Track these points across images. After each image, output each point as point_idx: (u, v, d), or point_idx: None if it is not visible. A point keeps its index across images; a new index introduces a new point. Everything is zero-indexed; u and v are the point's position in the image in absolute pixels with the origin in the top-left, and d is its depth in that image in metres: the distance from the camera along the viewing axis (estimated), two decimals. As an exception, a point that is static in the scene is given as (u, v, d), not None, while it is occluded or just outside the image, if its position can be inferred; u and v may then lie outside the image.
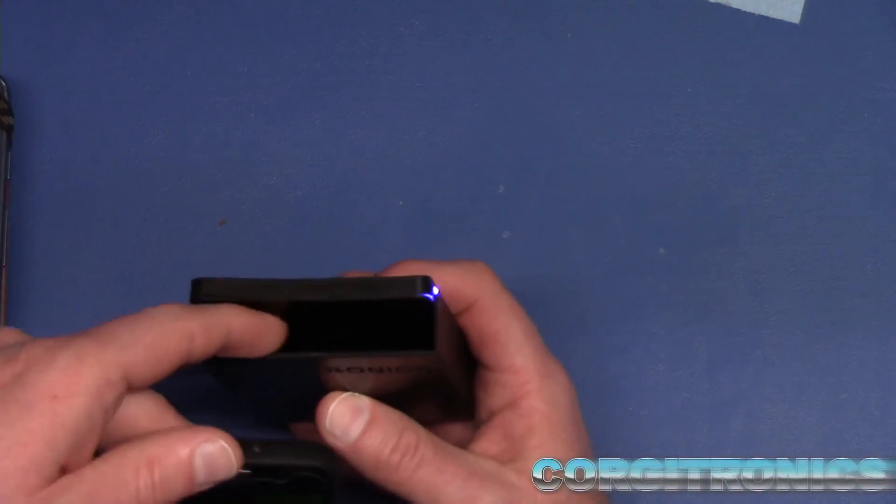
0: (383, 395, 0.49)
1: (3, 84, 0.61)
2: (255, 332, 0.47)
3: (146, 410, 0.45)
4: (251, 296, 0.48)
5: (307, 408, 0.49)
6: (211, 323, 0.46)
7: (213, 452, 0.45)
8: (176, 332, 0.45)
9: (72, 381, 0.42)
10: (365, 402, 0.48)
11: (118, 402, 0.44)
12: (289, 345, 0.48)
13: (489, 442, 0.51)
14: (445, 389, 0.51)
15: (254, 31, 0.63)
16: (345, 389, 0.49)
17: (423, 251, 0.60)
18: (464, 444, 0.51)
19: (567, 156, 0.62)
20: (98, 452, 0.44)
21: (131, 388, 0.44)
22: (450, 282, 0.50)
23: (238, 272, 0.60)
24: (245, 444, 0.46)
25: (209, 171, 0.61)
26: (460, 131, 0.62)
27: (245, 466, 0.46)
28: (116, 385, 0.43)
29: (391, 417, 0.49)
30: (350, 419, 0.48)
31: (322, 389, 0.49)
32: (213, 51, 0.63)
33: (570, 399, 0.52)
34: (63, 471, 0.42)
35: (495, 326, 0.51)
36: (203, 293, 0.48)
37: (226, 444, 0.45)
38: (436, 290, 0.47)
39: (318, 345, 0.48)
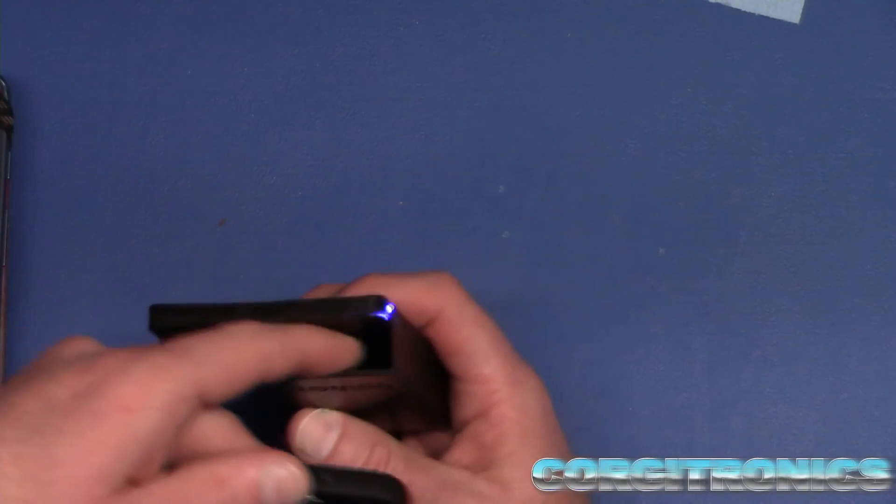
0: (356, 409, 0.49)
1: (3, 84, 0.61)
2: (332, 353, 0.47)
3: (220, 429, 0.45)
4: (205, 321, 0.47)
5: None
6: (289, 345, 0.45)
7: (282, 476, 0.44)
8: (254, 353, 0.44)
9: (145, 393, 0.42)
10: (335, 417, 0.48)
11: (191, 417, 0.43)
12: None
13: (462, 452, 0.51)
14: (415, 402, 0.51)
15: (254, 31, 0.63)
16: (315, 406, 0.49)
17: (423, 251, 0.60)
18: (443, 453, 0.51)
19: (567, 156, 0.62)
20: (169, 467, 0.43)
21: (205, 404, 0.44)
22: (411, 295, 0.50)
23: (238, 272, 0.60)
24: (315, 472, 0.45)
25: (209, 171, 0.61)
26: (460, 131, 0.62)
27: (316, 494, 0.45)
28: (190, 401, 0.43)
29: (362, 432, 0.49)
30: (320, 435, 0.48)
31: (294, 406, 0.49)
32: (213, 51, 0.63)
33: (542, 404, 0.52)
34: (131, 482, 0.42)
35: (460, 337, 0.51)
36: (157, 320, 0.47)
37: (296, 469, 0.44)
38: (390, 309, 0.47)
39: None
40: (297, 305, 0.48)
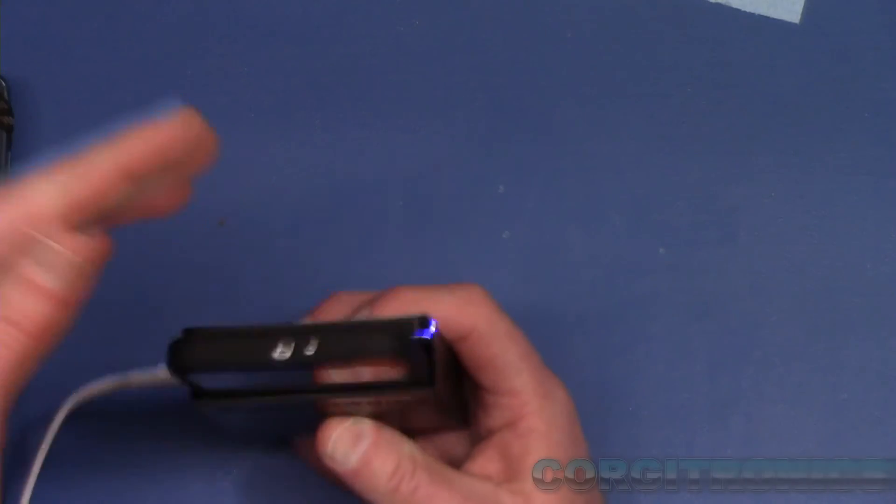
0: (380, 414, 0.49)
1: (3, 84, 0.61)
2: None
3: None
4: (241, 347, 0.47)
5: (303, 429, 0.49)
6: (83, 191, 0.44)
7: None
8: None
9: None
10: (367, 427, 0.49)
11: None
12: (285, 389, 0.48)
13: (487, 461, 0.51)
14: (438, 408, 0.51)
15: (254, 31, 0.63)
16: (344, 413, 0.49)
17: (423, 251, 0.60)
18: (463, 459, 0.52)
19: (567, 156, 0.62)
20: None
21: None
22: (445, 312, 0.50)
23: (238, 272, 0.60)
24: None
25: (209, 171, 0.61)
26: (460, 131, 0.62)
27: None
28: None
29: (392, 441, 0.49)
30: (351, 445, 0.48)
31: (319, 414, 0.49)
32: (213, 51, 0.63)
33: (568, 415, 0.52)
34: None
35: (491, 353, 0.51)
36: (188, 347, 0.48)
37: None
38: (433, 328, 0.47)
39: (313, 386, 0.48)
40: (335, 327, 0.48)
